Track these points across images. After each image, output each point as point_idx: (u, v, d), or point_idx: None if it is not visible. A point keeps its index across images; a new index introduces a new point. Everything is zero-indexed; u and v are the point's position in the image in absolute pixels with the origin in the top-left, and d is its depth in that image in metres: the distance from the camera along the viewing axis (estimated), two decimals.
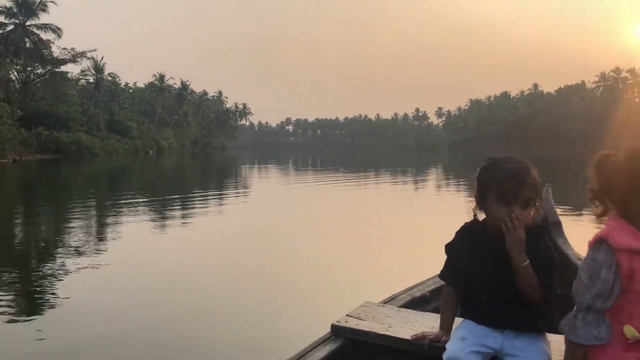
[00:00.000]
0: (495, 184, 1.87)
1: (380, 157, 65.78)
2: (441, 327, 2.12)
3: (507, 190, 1.84)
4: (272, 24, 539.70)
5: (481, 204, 1.95)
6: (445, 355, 1.88)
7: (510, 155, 1.96)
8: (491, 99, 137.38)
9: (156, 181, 25.02)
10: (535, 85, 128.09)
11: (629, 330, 1.59)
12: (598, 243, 1.61)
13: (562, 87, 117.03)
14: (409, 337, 2.18)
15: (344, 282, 6.11)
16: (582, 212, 11.25)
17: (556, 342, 1.92)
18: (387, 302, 2.80)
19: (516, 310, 1.90)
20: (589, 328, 1.62)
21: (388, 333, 2.27)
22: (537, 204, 1.91)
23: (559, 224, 3.67)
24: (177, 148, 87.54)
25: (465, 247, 2.01)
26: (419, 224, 11.35)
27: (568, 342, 1.68)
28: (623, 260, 1.57)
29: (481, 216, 2.00)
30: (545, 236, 1.98)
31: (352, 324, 2.37)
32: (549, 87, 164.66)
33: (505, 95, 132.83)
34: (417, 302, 2.91)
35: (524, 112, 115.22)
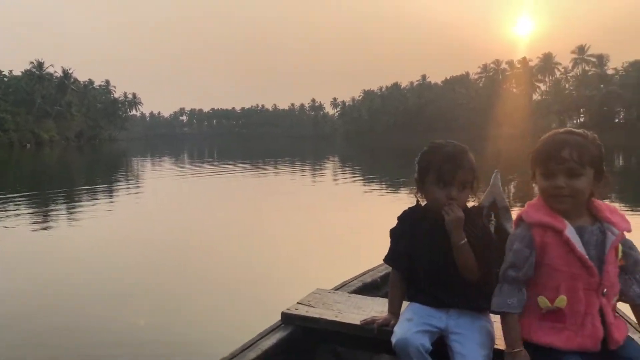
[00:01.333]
0: (434, 167, 1.95)
1: (279, 147, 65.25)
2: (390, 311, 2.17)
3: (445, 172, 1.93)
4: (165, 9, 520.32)
5: (421, 186, 2.02)
6: (394, 339, 1.91)
7: (449, 140, 2.03)
8: (383, 89, 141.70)
9: (28, 179, 22.67)
10: (424, 77, 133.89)
11: (542, 301, 1.75)
12: (518, 220, 1.83)
13: (448, 78, 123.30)
14: (358, 322, 2.21)
15: (297, 271, 6.02)
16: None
17: (499, 321, 1.94)
18: (338, 288, 2.84)
19: (459, 290, 1.98)
20: (504, 297, 1.79)
21: (338, 319, 2.29)
22: (475, 186, 2.00)
23: (507, 208, 3.73)
24: (60, 141, 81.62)
25: (408, 230, 2.08)
26: (351, 211, 11.01)
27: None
28: (536, 235, 1.75)
29: (423, 200, 2.07)
30: (483, 217, 2.07)
31: (303, 311, 2.38)
32: (436, 78, 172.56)
33: (396, 86, 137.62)
34: (368, 288, 2.97)
35: (413, 102, 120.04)
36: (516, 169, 17.23)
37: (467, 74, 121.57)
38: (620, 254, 1.76)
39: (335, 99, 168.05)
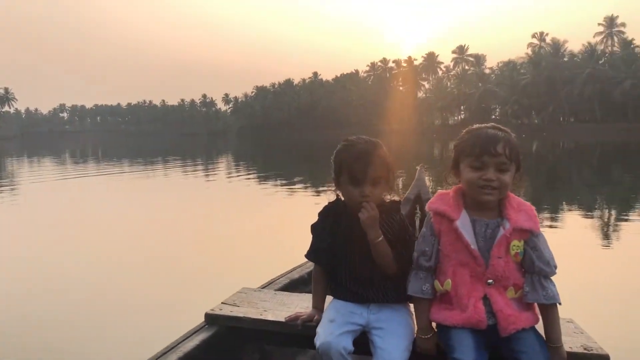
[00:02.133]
0: (346, 165, 1.96)
1: (171, 144, 62.99)
2: (313, 306, 2.18)
3: (356, 171, 1.93)
4: (44, 1, 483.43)
5: (337, 184, 2.03)
6: (317, 341, 1.92)
7: (362, 136, 2.03)
8: (276, 86, 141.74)
9: None
10: (316, 74, 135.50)
11: (437, 284, 1.89)
12: (427, 208, 1.94)
13: (339, 75, 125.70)
14: (283, 319, 2.19)
15: (223, 272, 5.89)
16: None
17: None
18: (265, 286, 2.82)
19: (378, 284, 2.02)
20: (419, 283, 1.90)
21: (262, 317, 2.26)
22: (391, 180, 2.01)
23: None
24: None
25: (328, 226, 2.09)
26: (265, 210, 10.73)
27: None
28: (436, 222, 1.88)
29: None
30: (399, 212, 2.05)
31: (227, 310, 2.34)
32: (328, 75, 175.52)
33: (289, 82, 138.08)
34: (296, 284, 2.97)
35: (306, 99, 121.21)
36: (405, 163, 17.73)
37: (357, 71, 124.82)
38: (515, 249, 1.81)
39: (227, 95, 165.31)
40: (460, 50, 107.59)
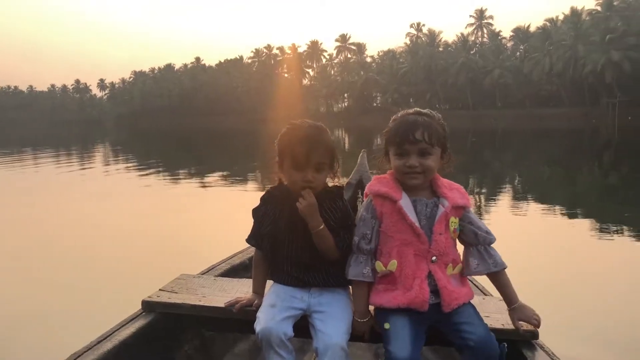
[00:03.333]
0: (289, 150, 1.95)
1: (40, 134, 57.43)
2: (253, 290, 2.18)
3: (298, 155, 1.92)
4: None
5: (280, 168, 2.02)
6: (257, 326, 1.92)
7: (307, 120, 2.03)
8: (155, 71, 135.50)
9: None
10: (198, 59, 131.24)
11: (378, 265, 1.92)
12: (365, 192, 2.00)
13: (223, 61, 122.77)
14: (222, 305, 2.17)
15: (161, 260, 5.63)
16: None
17: None
18: (204, 273, 2.75)
19: (319, 269, 2.03)
20: (359, 267, 1.93)
21: (201, 303, 2.23)
22: (335, 166, 2.01)
23: None
24: None
25: (270, 211, 2.06)
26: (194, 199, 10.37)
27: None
28: (377, 205, 1.92)
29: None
30: (343, 197, 2.04)
31: (165, 297, 2.29)
32: (211, 61, 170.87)
33: (169, 67, 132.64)
34: (237, 270, 2.91)
35: (188, 85, 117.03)
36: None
37: (241, 57, 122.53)
38: (453, 226, 1.91)
39: (102, 80, 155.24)
40: (343, 38, 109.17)
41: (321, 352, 1.88)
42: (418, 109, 1.92)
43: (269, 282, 2.15)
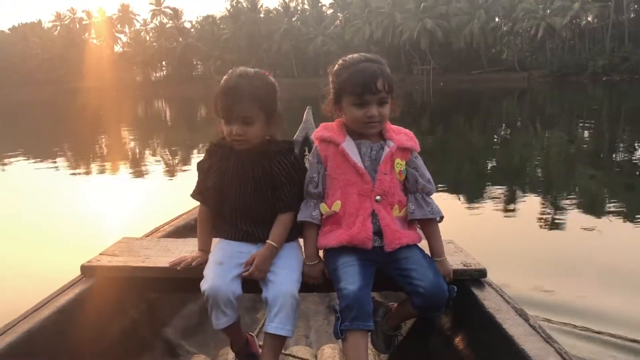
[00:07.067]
0: (218, 102, 1.87)
1: None
2: (199, 248, 2.09)
3: (224, 108, 1.85)
4: None
5: (219, 122, 1.93)
6: (204, 285, 1.84)
7: (245, 69, 1.92)
8: None
9: None
10: None
11: (323, 207, 1.93)
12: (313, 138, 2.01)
13: (17, 25, 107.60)
14: (167, 265, 2.10)
15: (101, 224, 5.72)
16: None
17: None
18: (148, 235, 2.70)
19: (268, 222, 1.97)
20: (309, 210, 1.94)
21: (144, 264, 2.17)
22: (276, 120, 1.92)
23: None
24: None
25: (216, 164, 1.98)
26: None
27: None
28: (322, 150, 1.94)
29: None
30: (293, 152, 2.01)
31: (105, 261, 2.23)
32: (2, 25, 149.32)
33: None
34: (181, 231, 2.86)
35: None
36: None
37: (40, 22, 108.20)
38: (399, 167, 1.90)
39: None
40: (157, 1, 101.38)
41: (271, 300, 1.83)
42: (366, 55, 1.88)
43: (215, 240, 2.06)
